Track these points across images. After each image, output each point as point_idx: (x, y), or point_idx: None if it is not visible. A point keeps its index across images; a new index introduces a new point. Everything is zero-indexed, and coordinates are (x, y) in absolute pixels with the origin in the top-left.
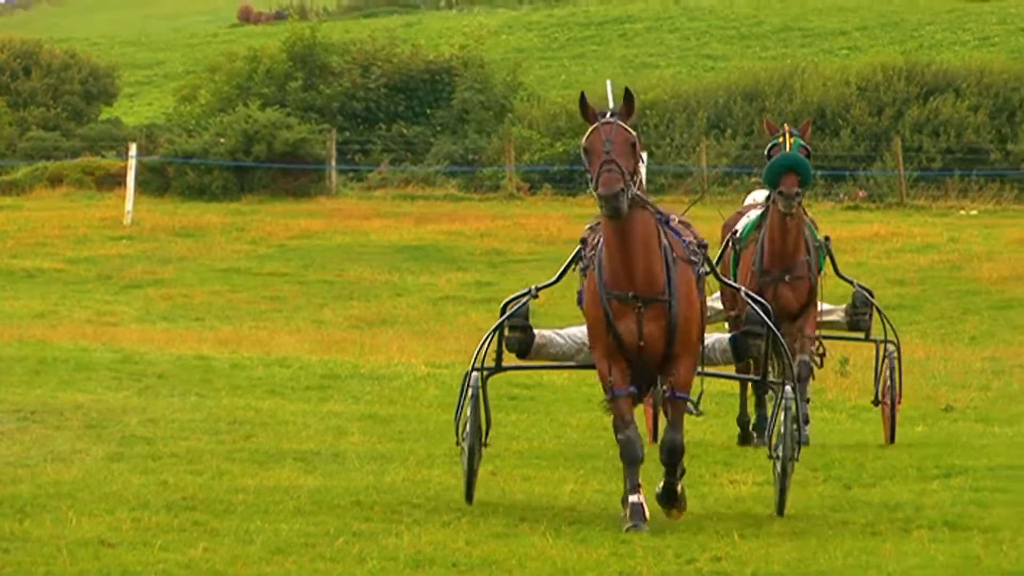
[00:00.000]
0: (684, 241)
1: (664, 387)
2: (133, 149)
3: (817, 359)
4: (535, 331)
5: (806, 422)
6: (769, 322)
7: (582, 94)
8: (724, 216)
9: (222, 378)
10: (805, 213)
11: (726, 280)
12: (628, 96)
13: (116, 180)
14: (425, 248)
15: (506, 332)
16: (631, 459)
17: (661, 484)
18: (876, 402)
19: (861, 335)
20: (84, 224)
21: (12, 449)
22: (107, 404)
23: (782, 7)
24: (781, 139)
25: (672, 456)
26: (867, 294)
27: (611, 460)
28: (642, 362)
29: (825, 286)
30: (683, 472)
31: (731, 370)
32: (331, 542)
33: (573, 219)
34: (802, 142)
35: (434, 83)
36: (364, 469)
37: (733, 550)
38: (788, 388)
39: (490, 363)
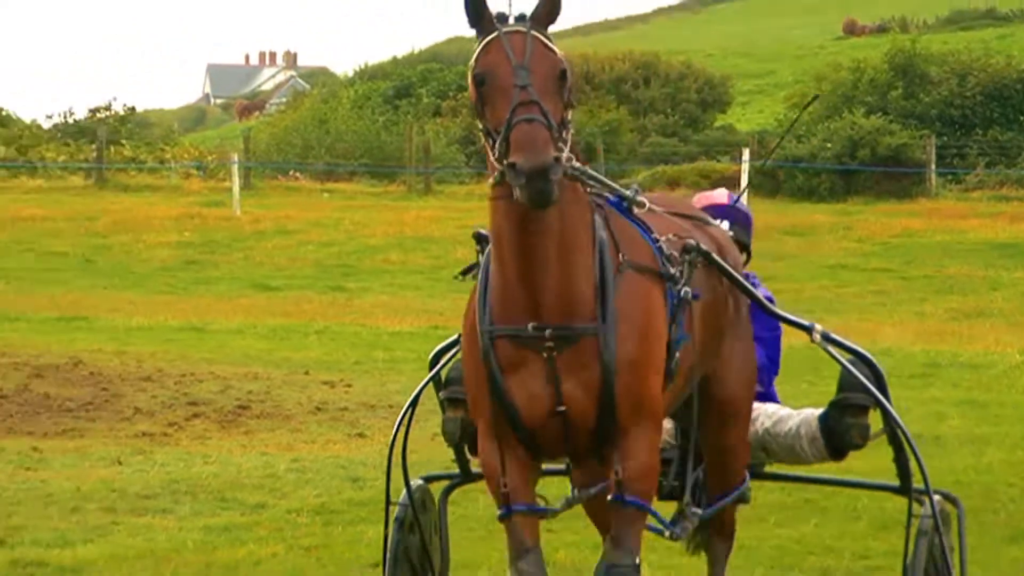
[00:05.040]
0: (650, 239)
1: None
2: (746, 154)
3: None
4: None
5: None
6: (873, 388)
7: None
8: None
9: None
10: None
11: (776, 310)
12: None
13: (730, 183)
14: (1019, 246)
15: (444, 410)
16: None
17: None
18: None
19: None
20: None
21: None
22: None
23: None
24: None
25: None
26: None
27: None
28: (570, 438)
29: None
30: None
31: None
32: None
33: None
34: None
35: None
36: (962, 451)
37: None
38: (926, 503)
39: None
